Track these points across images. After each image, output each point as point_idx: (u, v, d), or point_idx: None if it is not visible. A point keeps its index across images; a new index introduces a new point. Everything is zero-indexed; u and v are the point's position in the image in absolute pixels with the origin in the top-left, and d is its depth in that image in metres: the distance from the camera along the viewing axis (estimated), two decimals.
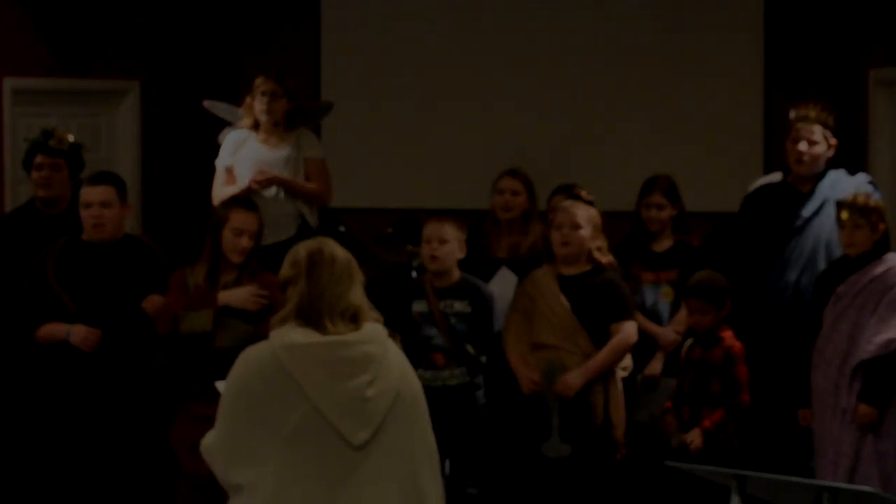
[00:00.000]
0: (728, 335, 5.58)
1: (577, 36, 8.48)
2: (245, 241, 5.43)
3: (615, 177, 7.71)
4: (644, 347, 5.87)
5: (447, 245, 5.65)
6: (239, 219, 5.48)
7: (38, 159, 6.13)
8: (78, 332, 5.42)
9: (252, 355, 3.71)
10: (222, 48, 8.39)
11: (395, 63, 8.50)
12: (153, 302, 5.50)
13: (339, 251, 3.78)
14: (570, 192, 6.17)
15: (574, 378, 5.40)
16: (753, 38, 8.36)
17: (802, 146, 5.91)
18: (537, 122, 8.41)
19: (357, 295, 3.76)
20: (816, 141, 5.91)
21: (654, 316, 6.06)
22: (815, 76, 8.26)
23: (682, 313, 5.92)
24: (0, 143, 8.15)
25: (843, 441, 5.27)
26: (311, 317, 3.69)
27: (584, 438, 5.43)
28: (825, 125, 5.92)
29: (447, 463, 5.72)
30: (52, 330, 5.46)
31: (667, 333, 6.01)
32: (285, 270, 3.78)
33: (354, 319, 3.73)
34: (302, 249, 3.78)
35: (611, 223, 6.22)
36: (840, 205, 5.43)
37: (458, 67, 8.49)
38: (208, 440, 3.72)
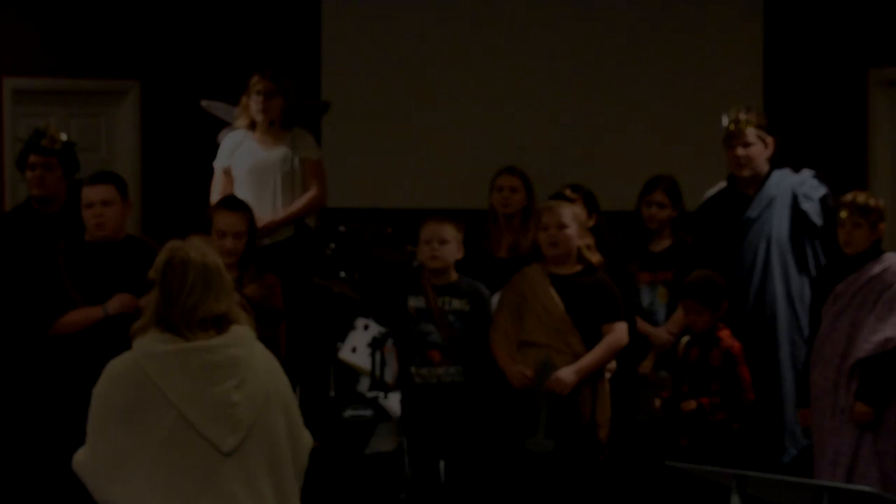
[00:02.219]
0: (726, 335, 5.58)
1: (578, 36, 8.48)
2: (229, 243, 5.37)
3: (615, 177, 7.71)
4: (637, 346, 5.89)
5: (447, 245, 5.63)
6: (221, 220, 5.45)
7: (31, 159, 6.15)
8: (114, 304, 5.35)
9: (115, 367, 3.64)
10: (222, 48, 8.40)
11: (395, 63, 8.50)
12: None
13: (193, 257, 3.64)
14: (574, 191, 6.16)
15: (568, 375, 5.39)
16: (753, 38, 8.37)
17: (739, 150, 6.02)
18: (537, 122, 8.42)
19: (219, 302, 3.63)
20: (751, 143, 6.01)
21: (649, 316, 6.06)
22: (815, 76, 8.27)
23: (678, 314, 5.93)
24: (0, 143, 8.16)
25: (842, 440, 5.27)
26: (168, 325, 3.61)
27: (569, 437, 5.42)
28: (758, 126, 6.03)
29: (441, 464, 5.72)
30: (83, 315, 5.38)
31: (661, 334, 6.01)
32: (151, 272, 3.69)
33: (218, 325, 3.63)
34: (163, 253, 3.69)
35: (611, 223, 6.23)
36: (839, 204, 5.44)
37: (458, 67, 8.50)
38: (79, 456, 3.66)
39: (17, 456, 5.81)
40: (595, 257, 5.58)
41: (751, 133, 6.00)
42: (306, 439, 3.77)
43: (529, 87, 8.46)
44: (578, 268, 5.56)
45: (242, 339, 3.65)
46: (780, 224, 5.99)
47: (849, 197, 5.43)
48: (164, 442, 3.52)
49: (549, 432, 5.40)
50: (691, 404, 5.51)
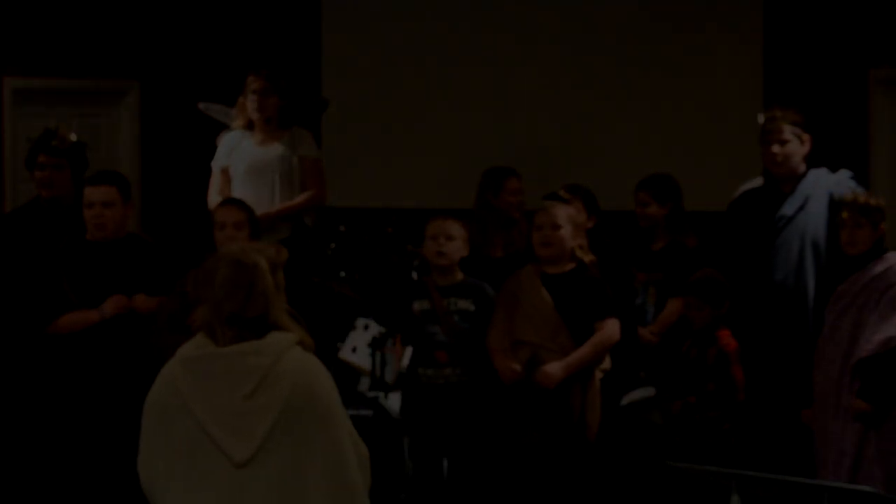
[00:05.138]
0: (724, 335, 5.60)
1: (578, 36, 8.48)
2: (229, 232, 5.40)
3: (615, 177, 7.70)
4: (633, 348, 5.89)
5: (454, 242, 5.66)
6: (219, 213, 5.53)
7: (41, 159, 6.13)
8: (109, 306, 5.40)
9: (163, 370, 3.64)
10: (222, 49, 8.39)
11: (395, 63, 8.50)
12: (140, 301, 5.48)
13: (228, 252, 3.64)
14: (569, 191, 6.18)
15: (555, 369, 5.40)
16: (753, 38, 8.37)
17: (775, 147, 5.95)
18: (537, 122, 8.41)
19: (252, 303, 3.57)
20: (787, 139, 5.95)
21: (639, 316, 6.07)
22: (815, 76, 8.26)
23: (665, 314, 5.96)
24: (0, 143, 8.16)
25: (846, 440, 5.26)
26: (208, 327, 3.59)
27: (559, 432, 5.42)
28: (795, 123, 5.96)
29: (445, 462, 5.72)
30: (79, 317, 5.42)
31: (643, 335, 6.01)
32: None
33: (253, 329, 3.57)
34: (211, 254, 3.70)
35: (611, 223, 6.23)
36: (841, 204, 5.44)
37: (459, 67, 8.49)
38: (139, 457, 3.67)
39: (14, 455, 5.81)
40: (588, 257, 5.61)
41: (787, 130, 5.93)
42: (350, 451, 3.63)
43: (530, 88, 8.45)
44: (571, 266, 5.58)
45: (270, 346, 3.56)
46: (815, 224, 5.90)
47: (850, 197, 5.44)
48: (184, 449, 3.50)
49: (541, 428, 5.42)
50: (677, 405, 5.54)
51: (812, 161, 6.23)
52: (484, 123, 8.42)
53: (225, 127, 6.82)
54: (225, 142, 6.64)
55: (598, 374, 5.57)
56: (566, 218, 5.58)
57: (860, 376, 5.24)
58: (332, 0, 8.58)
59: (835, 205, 5.78)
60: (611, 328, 5.51)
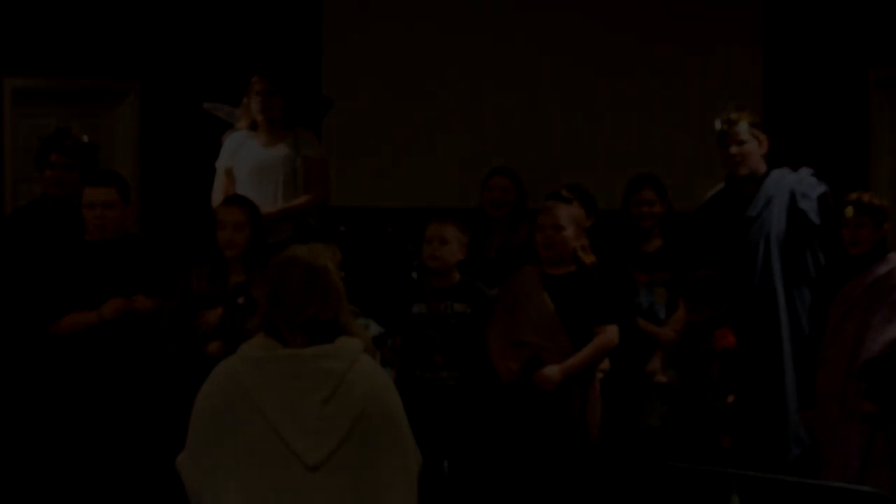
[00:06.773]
0: (719, 333, 5.61)
1: (577, 36, 8.49)
2: (228, 233, 5.39)
3: (613, 177, 7.71)
4: (641, 347, 5.89)
5: (448, 246, 5.65)
6: (220, 212, 5.52)
7: (53, 158, 6.12)
8: (108, 308, 5.41)
9: (219, 369, 3.60)
10: (223, 48, 8.40)
11: (395, 63, 8.51)
12: (139, 302, 5.49)
13: (300, 256, 3.61)
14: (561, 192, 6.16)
15: (554, 372, 5.40)
16: (753, 37, 8.37)
17: (733, 148, 6.00)
18: (536, 123, 8.42)
19: (326, 308, 3.56)
20: (744, 140, 6.00)
21: (651, 316, 6.07)
22: (815, 76, 8.26)
23: (679, 312, 5.94)
24: (1, 142, 8.16)
25: (852, 443, 5.26)
26: (272, 329, 3.56)
27: (560, 434, 5.43)
28: (751, 124, 6.02)
29: (445, 463, 5.72)
30: (81, 318, 5.43)
31: (666, 333, 6.01)
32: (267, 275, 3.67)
33: (324, 333, 3.56)
34: (277, 256, 3.66)
35: (608, 223, 6.23)
36: (844, 203, 5.45)
37: (458, 68, 8.50)
38: (181, 456, 3.61)
39: (14, 455, 5.81)
40: (589, 258, 5.59)
41: (743, 130, 5.99)
42: (413, 460, 3.67)
43: (528, 88, 8.46)
44: (572, 268, 5.57)
45: (343, 351, 3.56)
46: (778, 223, 5.98)
47: (853, 196, 5.43)
48: (251, 450, 3.46)
49: (544, 430, 5.41)
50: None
51: (813, 161, 6.25)
52: (484, 123, 8.43)
53: (228, 126, 6.82)
54: (229, 142, 6.65)
55: (599, 375, 5.57)
56: (569, 218, 5.57)
57: (866, 378, 5.24)
58: (333, 0, 8.59)
59: (827, 202, 5.88)
60: (610, 334, 5.50)
